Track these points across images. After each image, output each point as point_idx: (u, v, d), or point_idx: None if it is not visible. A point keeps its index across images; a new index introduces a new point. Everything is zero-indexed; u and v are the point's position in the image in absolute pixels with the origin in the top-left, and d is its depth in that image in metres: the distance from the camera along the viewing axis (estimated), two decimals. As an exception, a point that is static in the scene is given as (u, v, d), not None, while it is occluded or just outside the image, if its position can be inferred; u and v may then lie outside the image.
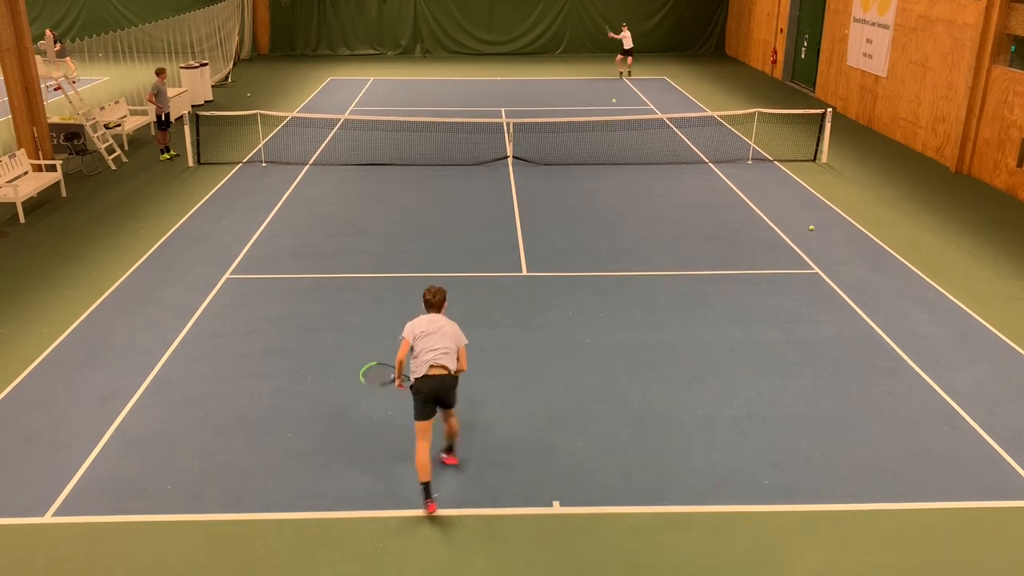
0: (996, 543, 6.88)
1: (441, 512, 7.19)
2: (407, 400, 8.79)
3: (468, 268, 12.34)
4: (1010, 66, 16.31)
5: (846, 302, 11.25)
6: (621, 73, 28.79)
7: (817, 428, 8.43)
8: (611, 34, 30.20)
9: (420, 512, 7.15)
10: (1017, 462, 7.91)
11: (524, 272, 12.23)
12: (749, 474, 7.72)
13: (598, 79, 28.40)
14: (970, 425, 8.50)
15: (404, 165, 17.81)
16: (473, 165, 17.78)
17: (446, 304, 7.51)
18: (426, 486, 7.13)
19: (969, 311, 11.03)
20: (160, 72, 18.26)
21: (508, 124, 18.97)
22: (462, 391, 8.98)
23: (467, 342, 7.44)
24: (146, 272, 12.18)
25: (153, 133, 19.23)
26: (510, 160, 18.06)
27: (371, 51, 34.03)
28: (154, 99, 18.13)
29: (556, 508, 7.28)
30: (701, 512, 7.22)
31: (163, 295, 11.39)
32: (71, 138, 17.25)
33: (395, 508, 7.23)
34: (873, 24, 21.44)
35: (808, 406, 8.82)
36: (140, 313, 10.86)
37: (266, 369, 9.50)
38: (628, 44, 28.31)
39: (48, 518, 7.11)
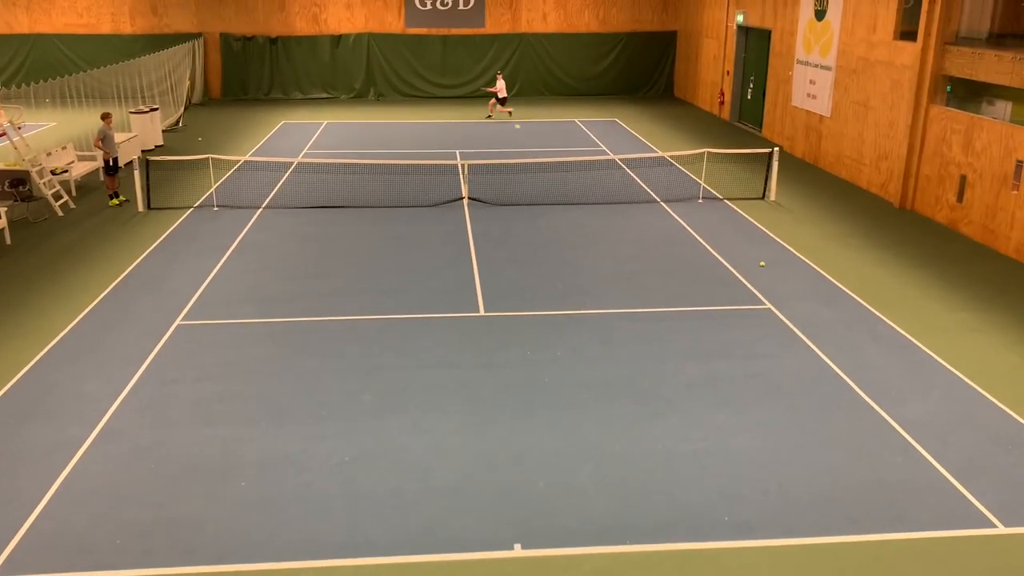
0: (951, 572, 6.95)
1: (400, 559, 7.06)
2: (363, 446, 8.71)
3: (425, 309, 12.29)
4: (947, 105, 16.91)
5: (799, 337, 11.42)
6: (490, 116, 29.41)
7: (774, 461, 8.49)
8: (487, 88, 30.78)
9: (379, 560, 7.00)
10: (969, 491, 8.04)
11: (481, 312, 12.21)
12: (709, 509, 7.73)
13: (549, 121, 28.77)
14: (923, 455, 8.63)
15: (359, 207, 17.77)
16: (429, 206, 17.81)
17: None
18: None
19: (918, 343, 11.27)
20: (106, 116, 18.05)
21: (463, 166, 19.08)
22: (419, 438, 8.90)
23: None
24: (94, 319, 11.91)
25: (102, 179, 18.95)
26: (465, 201, 18.13)
27: (324, 95, 34.07)
28: (101, 144, 17.91)
29: (518, 551, 7.19)
30: (664, 550, 7.19)
31: (112, 343, 11.14)
32: (16, 184, 16.91)
33: (354, 556, 7.08)
34: (816, 66, 22.11)
35: (765, 439, 8.89)
36: (89, 362, 10.60)
37: (218, 416, 9.30)
38: (502, 94, 28.98)
39: (-11, 578, 6.84)
